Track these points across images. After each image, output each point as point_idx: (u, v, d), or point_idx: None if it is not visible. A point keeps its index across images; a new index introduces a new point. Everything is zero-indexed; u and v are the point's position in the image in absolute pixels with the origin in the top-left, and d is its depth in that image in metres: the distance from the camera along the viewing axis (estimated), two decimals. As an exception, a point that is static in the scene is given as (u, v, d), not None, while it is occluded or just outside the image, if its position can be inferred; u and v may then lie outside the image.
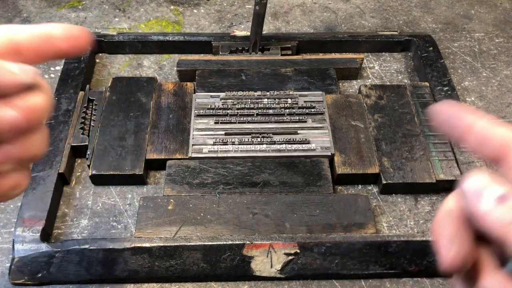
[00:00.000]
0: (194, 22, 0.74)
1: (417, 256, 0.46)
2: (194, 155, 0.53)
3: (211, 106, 0.57)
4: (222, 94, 0.59)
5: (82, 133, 0.55)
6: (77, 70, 0.61)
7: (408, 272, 0.46)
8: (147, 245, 0.46)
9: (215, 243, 0.46)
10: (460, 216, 0.22)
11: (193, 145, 0.54)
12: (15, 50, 0.23)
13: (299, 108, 0.57)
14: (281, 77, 0.62)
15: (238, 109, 0.57)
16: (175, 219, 0.48)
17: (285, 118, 0.56)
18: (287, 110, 0.57)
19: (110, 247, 0.46)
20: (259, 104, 0.57)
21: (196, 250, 0.46)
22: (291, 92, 0.59)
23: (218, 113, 0.57)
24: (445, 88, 0.60)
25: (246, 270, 0.46)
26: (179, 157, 0.53)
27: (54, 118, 0.56)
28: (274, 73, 0.62)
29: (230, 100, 0.58)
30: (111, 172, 0.52)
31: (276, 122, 0.56)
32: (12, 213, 0.51)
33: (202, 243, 0.46)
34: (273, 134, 0.55)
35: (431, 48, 0.65)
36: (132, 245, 0.46)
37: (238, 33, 0.67)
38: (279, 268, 0.46)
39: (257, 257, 0.46)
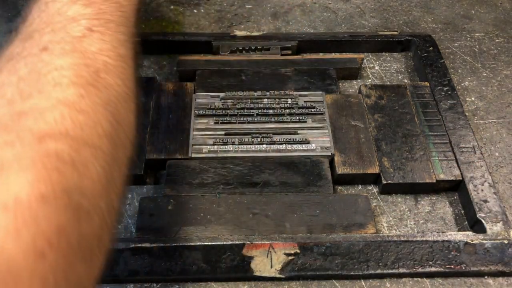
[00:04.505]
0: (194, 22, 0.74)
1: (417, 256, 0.46)
2: (194, 155, 0.53)
3: (211, 106, 0.57)
4: (222, 94, 0.59)
5: (82, 133, 0.55)
6: (77, 70, 0.61)
7: (408, 272, 0.46)
8: (147, 245, 0.46)
9: (215, 243, 0.46)
10: None
11: (193, 145, 0.54)
12: None
13: (299, 108, 0.57)
14: (281, 77, 0.62)
15: (238, 109, 0.57)
16: (175, 219, 0.48)
17: (285, 118, 0.56)
18: (287, 110, 0.57)
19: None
20: (259, 104, 0.57)
21: (196, 250, 0.46)
22: (291, 92, 0.59)
23: (218, 113, 0.57)
24: (445, 88, 0.60)
25: (246, 270, 0.46)
26: (179, 157, 0.53)
27: (54, 118, 0.56)
28: (274, 73, 0.62)
29: (230, 100, 0.58)
30: (111, 172, 0.52)
31: (276, 122, 0.56)
32: (12, 213, 0.51)
33: (202, 243, 0.46)
34: (273, 134, 0.55)
35: (431, 48, 0.65)
36: (132, 245, 0.46)
37: (238, 33, 0.67)
38: (279, 268, 0.46)
39: (257, 257, 0.46)
